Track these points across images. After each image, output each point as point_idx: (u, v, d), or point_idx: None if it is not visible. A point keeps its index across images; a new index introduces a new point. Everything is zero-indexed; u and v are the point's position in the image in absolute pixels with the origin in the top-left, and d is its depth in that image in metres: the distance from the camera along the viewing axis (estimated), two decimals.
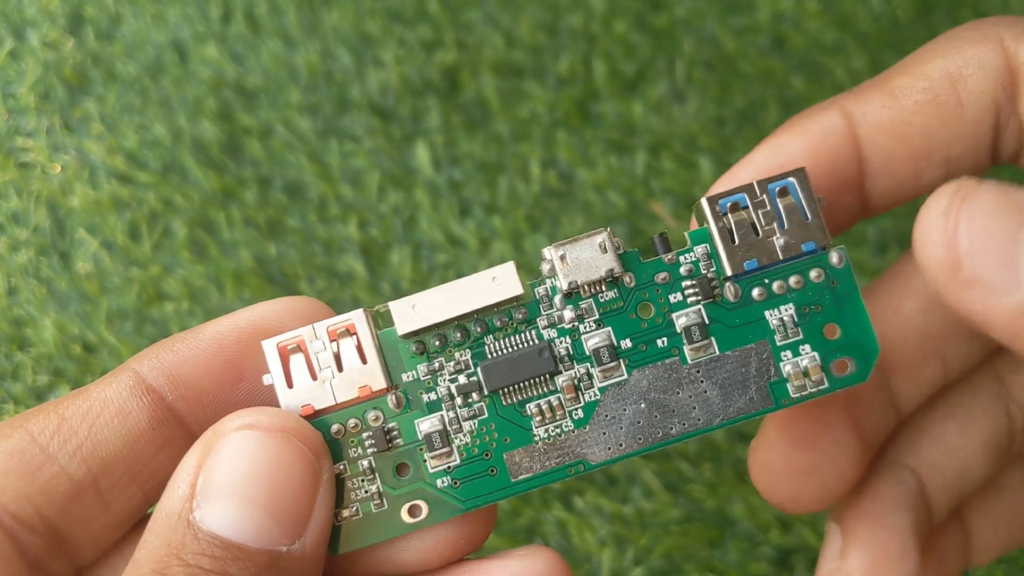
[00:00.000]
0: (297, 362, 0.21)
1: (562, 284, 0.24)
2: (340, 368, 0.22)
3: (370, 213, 0.67)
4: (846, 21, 0.73)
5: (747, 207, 0.23)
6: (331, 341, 0.22)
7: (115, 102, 0.73)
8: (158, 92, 0.74)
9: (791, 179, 0.21)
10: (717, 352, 0.22)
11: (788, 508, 0.23)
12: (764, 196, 0.22)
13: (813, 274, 0.22)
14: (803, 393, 0.21)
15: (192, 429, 0.20)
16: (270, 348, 0.21)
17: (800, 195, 0.21)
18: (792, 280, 0.22)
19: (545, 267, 0.25)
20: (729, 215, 0.24)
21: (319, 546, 0.18)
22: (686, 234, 0.25)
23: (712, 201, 0.24)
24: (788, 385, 0.21)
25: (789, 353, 0.21)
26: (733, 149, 0.67)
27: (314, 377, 0.21)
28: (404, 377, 0.23)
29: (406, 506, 0.22)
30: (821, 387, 0.21)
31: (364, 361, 0.22)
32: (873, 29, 0.72)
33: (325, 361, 0.21)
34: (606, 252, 0.24)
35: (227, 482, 0.18)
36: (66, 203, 0.70)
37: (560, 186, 0.67)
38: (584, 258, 0.24)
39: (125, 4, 0.79)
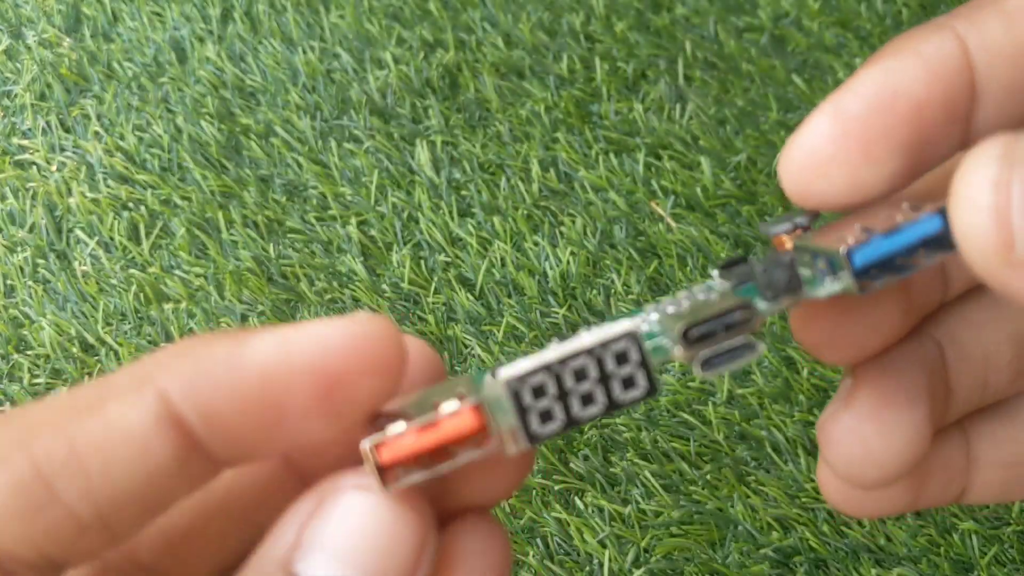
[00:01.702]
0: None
1: None
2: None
3: (370, 213, 0.66)
4: (847, 20, 0.72)
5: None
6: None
7: (113, 101, 0.73)
8: (157, 92, 0.73)
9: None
10: None
11: (821, 352, 0.20)
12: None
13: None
14: None
15: (216, 461, 0.18)
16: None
17: None
18: None
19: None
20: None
21: None
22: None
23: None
24: None
25: None
26: (733, 149, 0.67)
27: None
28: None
29: None
30: None
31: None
32: (875, 28, 0.72)
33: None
34: None
35: (334, 540, 0.17)
36: (64, 203, 0.69)
37: (560, 186, 0.67)
38: None
39: (123, 3, 0.79)
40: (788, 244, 0.19)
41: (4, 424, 0.17)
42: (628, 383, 0.17)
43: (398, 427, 0.17)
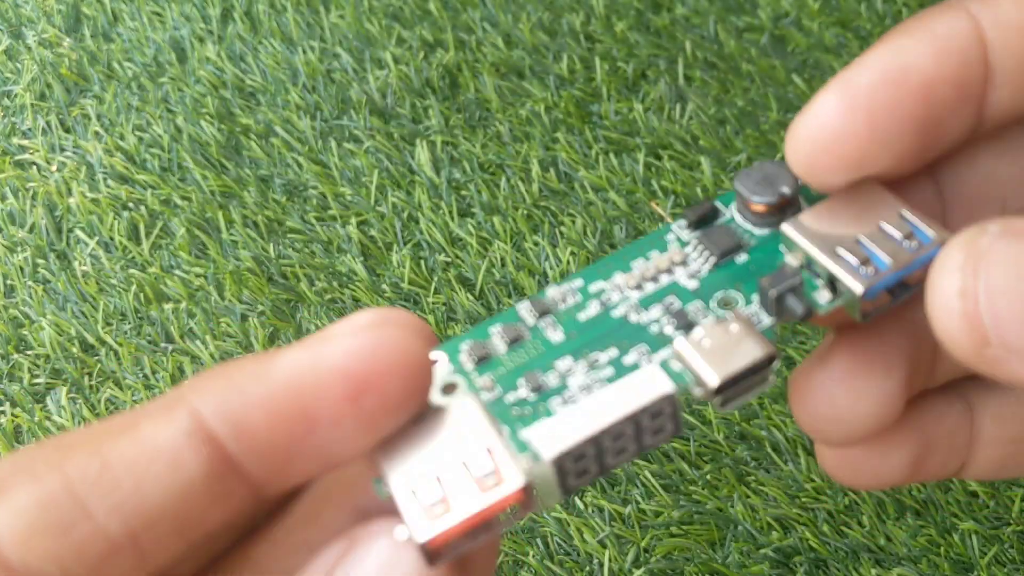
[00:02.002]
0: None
1: None
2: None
3: (370, 213, 0.66)
4: (847, 20, 0.72)
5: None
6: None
7: (113, 101, 0.73)
8: (157, 92, 0.73)
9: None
10: None
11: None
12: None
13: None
14: None
15: (252, 481, 0.17)
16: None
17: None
18: None
19: None
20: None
21: None
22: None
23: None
24: None
25: None
26: (733, 149, 0.67)
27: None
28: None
29: None
30: None
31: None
32: (875, 28, 0.72)
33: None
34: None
35: None
36: (64, 203, 0.69)
37: (560, 186, 0.67)
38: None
39: (123, 3, 0.79)
40: (791, 258, 0.19)
41: (38, 447, 0.17)
42: (658, 431, 0.18)
43: (444, 516, 0.17)
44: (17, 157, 0.72)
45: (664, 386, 0.17)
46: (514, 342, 0.19)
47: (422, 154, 0.68)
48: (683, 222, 0.21)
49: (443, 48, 0.73)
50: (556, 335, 0.20)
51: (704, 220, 0.20)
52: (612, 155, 0.68)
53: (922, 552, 0.52)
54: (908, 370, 0.20)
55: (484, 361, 0.19)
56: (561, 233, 0.64)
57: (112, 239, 0.67)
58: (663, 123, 0.69)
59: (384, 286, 0.63)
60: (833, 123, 0.19)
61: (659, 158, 0.67)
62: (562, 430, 0.17)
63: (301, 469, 0.18)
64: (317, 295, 0.63)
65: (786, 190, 0.20)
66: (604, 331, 0.20)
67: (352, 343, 0.17)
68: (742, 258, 0.20)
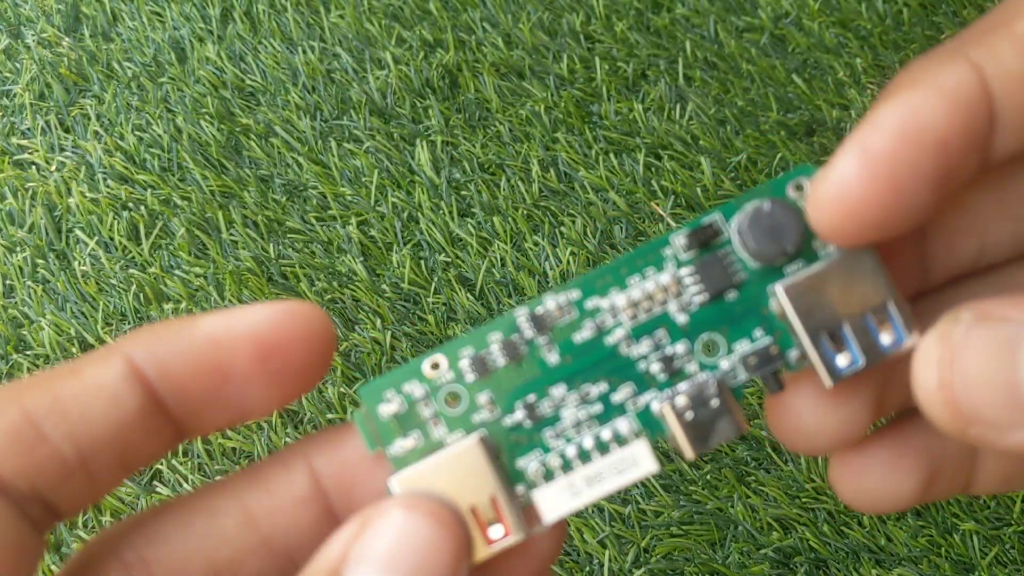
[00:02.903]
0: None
1: None
2: None
3: (370, 213, 0.66)
4: (847, 20, 0.72)
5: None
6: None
7: (113, 101, 0.73)
8: (157, 91, 0.73)
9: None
10: None
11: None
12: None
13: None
14: None
15: (176, 421, 0.21)
16: None
17: None
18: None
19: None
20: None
21: None
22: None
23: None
24: None
25: None
26: (733, 149, 0.67)
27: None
28: None
29: None
30: None
31: None
32: (875, 28, 0.72)
33: None
34: None
35: (380, 553, 0.19)
36: (63, 203, 0.69)
37: (560, 186, 0.67)
38: None
39: (123, 3, 0.79)
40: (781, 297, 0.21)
41: None
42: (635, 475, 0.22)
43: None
44: (16, 157, 0.72)
45: (650, 467, 0.21)
46: (512, 359, 0.22)
47: (422, 154, 0.68)
48: (682, 238, 0.22)
49: (443, 48, 0.73)
50: (552, 356, 0.22)
51: (704, 243, 0.22)
52: (612, 155, 0.68)
53: (923, 552, 0.52)
54: (876, 392, 0.22)
55: (484, 376, 0.22)
56: (561, 233, 0.64)
57: (112, 239, 0.67)
58: (663, 123, 0.69)
59: (384, 286, 0.63)
60: (857, 189, 0.20)
61: (659, 158, 0.67)
62: (562, 499, 0.21)
63: (219, 416, 0.21)
64: (317, 295, 0.63)
65: (790, 249, 0.21)
66: (597, 360, 0.22)
67: (263, 313, 0.21)
68: (732, 295, 0.22)
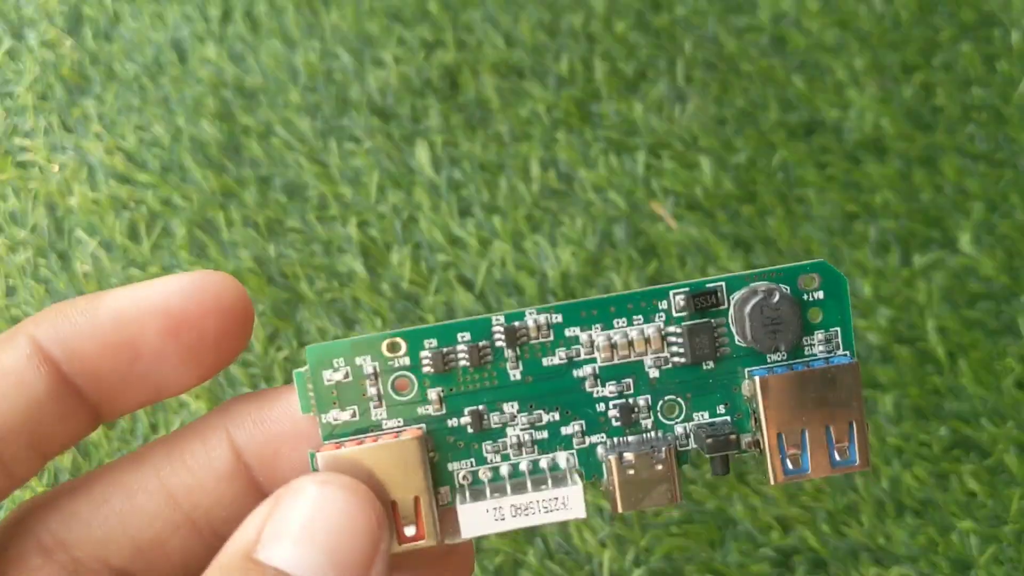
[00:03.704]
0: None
1: None
2: None
3: (370, 213, 0.66)
4: (847, 20, 0.72)
5: None
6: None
7: (114, 102, 0.73)
8: (157, 92, 0.73)
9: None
10: None
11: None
12: None
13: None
14: None
15: (90, 403, 0.20)
16: None
17: None
18: None
19: None
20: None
21: None
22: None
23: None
24: None
25: None
26: (733, 149, 0.67)
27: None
28: None
29: None
30: None
31: None
32: (875, 28, 0.72)
33: None
34: None
35: (294, 527, 0.18)
36: (64, 203, 0.69)
37: (560, 186, 0.67)
38: None
39: (124, 3, 0.79)
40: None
41: None
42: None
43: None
44: (19, 158, 0.72)
45: (579, 513, 0.22)
46: (474, 363, 0.21)
47: (422, 154, 0.68)
48: (682, 299, 0.22)
49: (443, 48, 0.73)
50: (515, 372, 0.21)
51: (702, 309, 0.22)
52: (612, 155, 0.68)
53: (921, 551, 0.52)
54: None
55: (441, 372, 0.21)
56: (561, 233, 0.64)
57: (112, 239, 0.67)
58: (663, 123, 0.69)
59: (384, 286, 0.63)
60: None
61: (659, 158, 0.67)
62: (485, 520, 0.21)
63: (133, 395, 0.20)
64: (317, 295, 0.63)
65: (784, 349, 0.22)
66: (558, 388, 0.22)
67: (172, 285, 0.20)
68: (709, 365, 0.22)
